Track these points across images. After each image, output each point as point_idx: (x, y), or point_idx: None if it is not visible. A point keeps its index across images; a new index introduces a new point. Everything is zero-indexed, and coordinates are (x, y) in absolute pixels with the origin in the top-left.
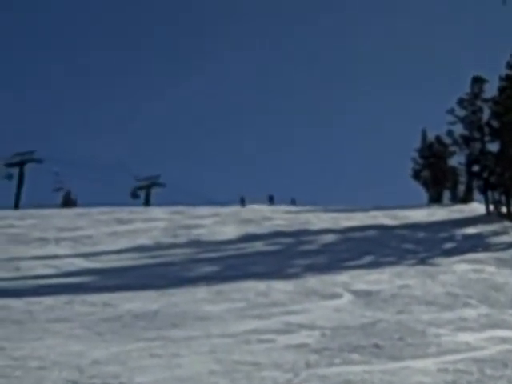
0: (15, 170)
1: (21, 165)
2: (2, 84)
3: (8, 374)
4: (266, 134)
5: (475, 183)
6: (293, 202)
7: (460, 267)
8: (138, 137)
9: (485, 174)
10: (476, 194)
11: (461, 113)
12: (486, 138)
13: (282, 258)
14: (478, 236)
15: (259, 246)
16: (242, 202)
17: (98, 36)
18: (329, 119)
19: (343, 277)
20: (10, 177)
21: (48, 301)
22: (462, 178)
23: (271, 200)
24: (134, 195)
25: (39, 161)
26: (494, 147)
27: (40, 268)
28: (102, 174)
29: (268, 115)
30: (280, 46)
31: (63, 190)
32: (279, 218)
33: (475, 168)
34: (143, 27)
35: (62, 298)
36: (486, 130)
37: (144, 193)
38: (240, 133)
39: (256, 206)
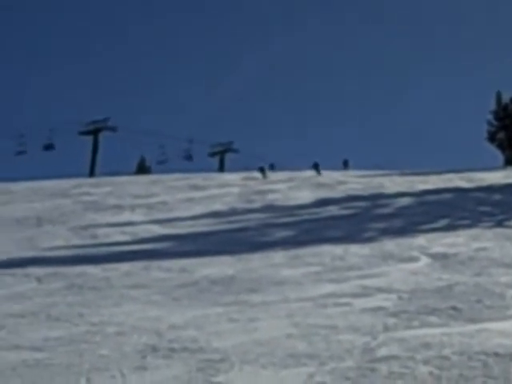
0: (89, 138)
1: (95, 132)
2: (78, 53)
3: (88, 339)
4: (338, 99)
5: None
6: (345, 164)
7: None
8: (212, 107)
9: None
10: None
11: None
12: None
13: (358, 221)
14: None
15: (334, 210)
16: (317, 168)
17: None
18: (403, 83)
19: (419, 240)
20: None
21: (124, 267)
22: None
23: (346, 164)
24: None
25: (113, 128)
26: None
27: (116, 235)
28: (175, 142)
29: (342, 80)
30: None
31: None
32: (354, 182)
33: None
34: None
35: (139, 265)
36: None
37: (218, 159)
38: (310, 99)
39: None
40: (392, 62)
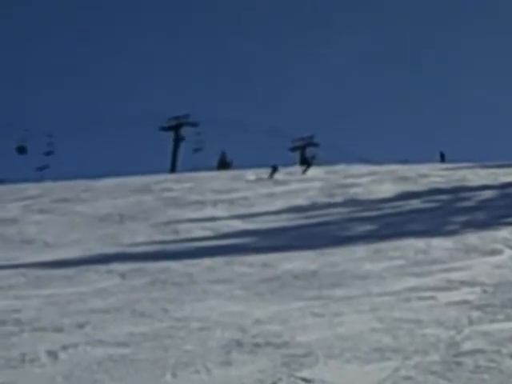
0: (171, 134)
1: (176, 128)
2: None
3: (172, 334)
4: (422, 91)
5: None
6: (442, 157)
7: None
8: (292, 101)
9: None
10: None
11: None
12: None
13: (440, 215)
14: None
15: (416, 203)
16: (442, 158)
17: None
18: (484, 73)
19: (503, 233)
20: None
21: (207, 262)
22: None
23: (442, 157)
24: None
25: (195, 124)
26: None
27: (198, 230)
28: (256, 136)
29: (424, 74)
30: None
31: (203, 151)
32: (436, 175)
33: None
34: None
35: (221, 260)
36: None
37: (299, 153)
38: (392, 91)
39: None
40: (472, 47)
